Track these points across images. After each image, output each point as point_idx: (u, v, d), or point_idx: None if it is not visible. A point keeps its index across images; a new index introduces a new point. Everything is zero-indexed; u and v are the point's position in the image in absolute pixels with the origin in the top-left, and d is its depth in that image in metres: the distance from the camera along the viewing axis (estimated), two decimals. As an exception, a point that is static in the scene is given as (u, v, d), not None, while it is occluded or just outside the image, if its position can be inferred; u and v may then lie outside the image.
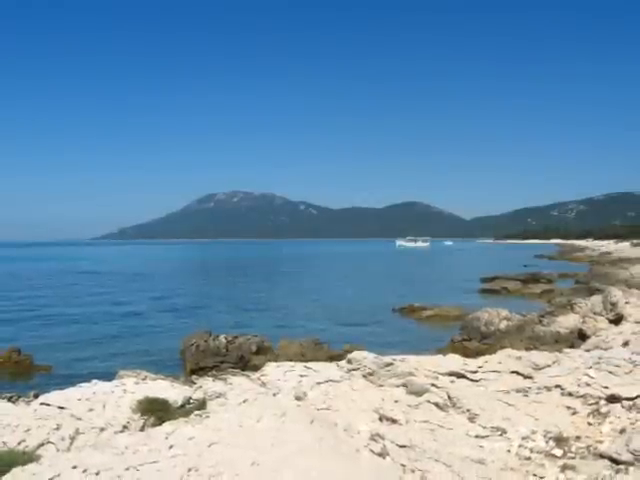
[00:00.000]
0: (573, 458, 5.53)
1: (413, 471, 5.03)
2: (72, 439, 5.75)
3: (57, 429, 5.82)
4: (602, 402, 6.52)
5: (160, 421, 6.01)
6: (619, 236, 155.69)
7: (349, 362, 8.40)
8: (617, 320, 15.64)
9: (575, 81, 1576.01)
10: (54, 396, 6.69)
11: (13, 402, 7.46)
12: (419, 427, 6.21)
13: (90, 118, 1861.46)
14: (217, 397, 7.11)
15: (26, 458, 4.91)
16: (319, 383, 7.56)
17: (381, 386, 7.65)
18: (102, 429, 6.00)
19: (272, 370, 8.35)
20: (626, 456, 5.14)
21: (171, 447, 4.86)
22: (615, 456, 5.22)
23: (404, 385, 7.45)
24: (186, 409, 6.51)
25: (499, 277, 44.76)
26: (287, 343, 18.26)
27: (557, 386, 7.04)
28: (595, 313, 16.45)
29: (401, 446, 5.48)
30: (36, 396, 7.59)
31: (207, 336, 17.81)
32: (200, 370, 15.35)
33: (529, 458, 5.59)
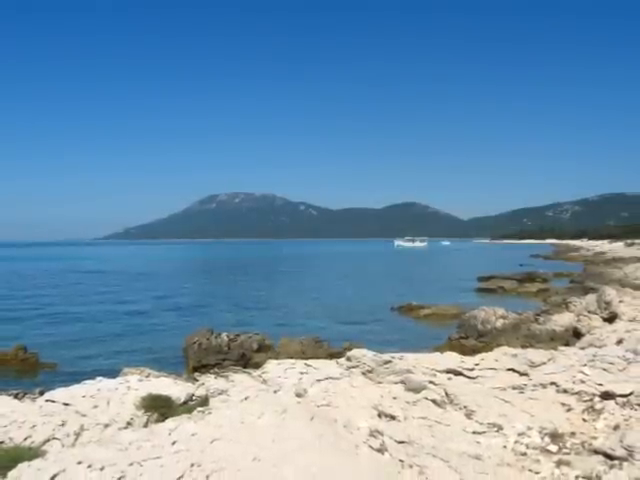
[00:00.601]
0: (568, 454, 5.59)
1: (411, 466, 5.06)
2: (77, 435, 5.81)
3: (62, 425, 5.88)
4: (596, 399, 6.57)
5: (163, 417, 6.06)
6: (613, 236, 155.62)
7: (348, 360, 8.46)
8: (611, 318, 15.78)
9: (571, 85, 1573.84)
10: (59, 393, 6.77)
11: (19, 399, 7.50)
12: (417, 423, 6.26)
13: (94, 121, 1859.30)
14: (219, 394, 7.16)
15: (32, 454, 4.96)
16: (319, 380, 7.60)
17: (380, 383, 7.68)
18: (106, 425, 6.06)
19: (273, 367, 8.41)
20: (620, 452, 5.21)
21: (174, 443, 4.88)
22: (609, 452, 5.29)
23: (402, 382, 7.49)
24: (189, 406, 6.56)
25: (495, 276, 45.02)
26: (288, 341, 18.35)
27: (552, 383, 7.08)
28: (590, 312, 16.58)
29: (399, 442, 5.50)
30: (42, 393, 7.64)
31: (209, 334, 17.92)
32: (202, 367, 15.44)
33: (525, 454, 5.65)
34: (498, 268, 54.00)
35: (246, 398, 6.62)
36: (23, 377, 15.96)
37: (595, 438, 5.80)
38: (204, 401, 6.75)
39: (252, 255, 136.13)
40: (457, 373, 7.82)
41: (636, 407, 6.20)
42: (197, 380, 8.42)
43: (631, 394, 6.39)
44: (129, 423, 6.21)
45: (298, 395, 6.92)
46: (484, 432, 6.11)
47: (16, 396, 7.79)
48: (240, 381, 7.98)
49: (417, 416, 6.46)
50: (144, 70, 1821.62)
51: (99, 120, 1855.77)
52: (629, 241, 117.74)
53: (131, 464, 4.48)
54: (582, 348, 10.52)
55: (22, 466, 4.48)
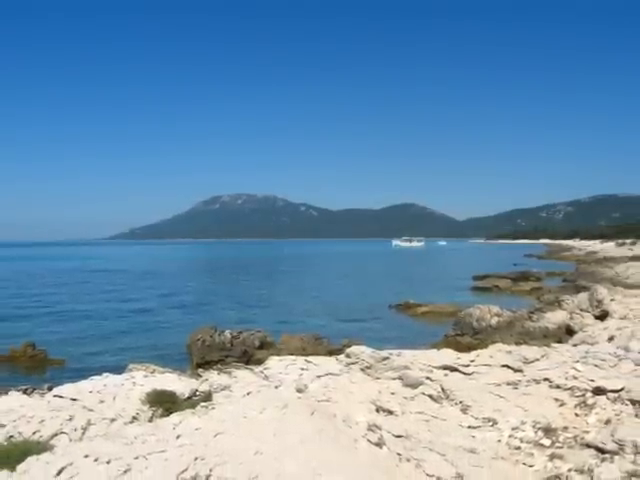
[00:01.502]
0: (561, 447, 5.70)
1: (408, 460, 5.16)
2: (84, 429, 5.93)
3: (70, 420, 6.00)
4: (588, 394, 6.66)
5: (168, 412, 6.17)
6: (604, 236, 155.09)
7: (348, 356, 8.55)
8: (603, 316, 15.95)
9: (567, 89, 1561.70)
10: (67, 388, 6.91)
11: (28, 394, 7.65)
12: (414, 418, 6.36)
13: (97, 126, 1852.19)
14: (222, 389, 7.27)
15: (40, 447, 5.08)
16: (319, 376, 7.70)
17: (378, 379, 7.77)
18: (112, 420, 6.18)
19: (274, 364, 8.51)
20: (611, 445, 5.32)
21: (178, 437, 4.98)
22: (601, 446, 5.40)
23: (400, 378, 7.58)
24: (192, 401, 6.69)
25: (490, 275, 45.55)
26: (289, 338, 18.54)
27: (546, 379, 7.17)
28: (582, 310, 16.77)
29: (397, 436, 5.61)
30: (50, 388, 7.79)
31: (212, 331, 18.11)
32: (206, 364, 15.57)
33: (519, 447, 5.77)
34: (493, 267, 54.46)
35: (248, 393, 6.76)
36: (32, 373, 16.23)
37: (587, 432, 5.90)
38: (207, 396, 6.87)
39: (254, 255, 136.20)
40: (453, 369, 7.90)
41: (627, 402, 6.30)
42: (200, 376, 8.54)
43: (622, 390, 6.48)
44: (134, 418, 6.32)
45: (299, 391, 7.03)
46: (479, 426, 6.23)
47: (25, 391, 7.94)
48: (242, 377, 8.07)
49: (414, 411, 6.56)
50: (146, 76, 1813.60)
51: (102, 125, 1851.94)
52: (620, 241, 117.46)
53: (136, 457, 4.58)
54: (574, 345, 10.63)
55: (31, 459, 4.60)
